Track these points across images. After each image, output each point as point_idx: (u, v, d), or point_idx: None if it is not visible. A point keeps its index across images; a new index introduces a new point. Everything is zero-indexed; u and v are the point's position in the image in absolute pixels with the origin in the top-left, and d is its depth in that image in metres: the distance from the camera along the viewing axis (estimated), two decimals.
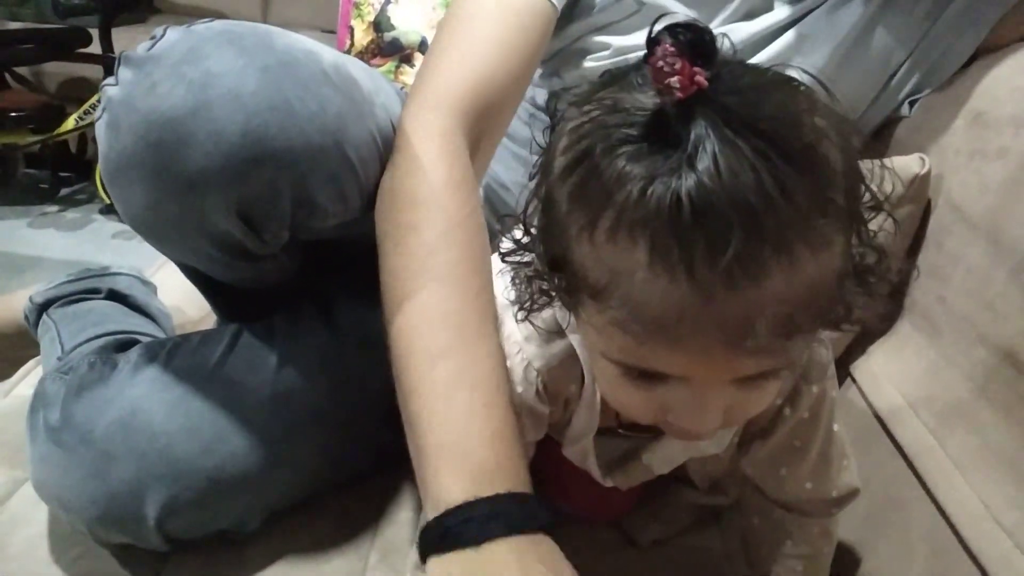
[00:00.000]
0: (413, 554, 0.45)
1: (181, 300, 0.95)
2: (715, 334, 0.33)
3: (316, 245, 0.63)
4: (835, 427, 0.51)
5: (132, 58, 0.49)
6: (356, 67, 0.59)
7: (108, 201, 2.42)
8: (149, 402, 0.54)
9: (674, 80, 0.31)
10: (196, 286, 0.72)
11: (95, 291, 0.86)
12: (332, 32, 2.94)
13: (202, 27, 0.50)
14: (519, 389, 0.48)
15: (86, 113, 2.37)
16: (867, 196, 0.37)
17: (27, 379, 0.83)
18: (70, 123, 2.39)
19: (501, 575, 0.40)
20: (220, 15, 2.19)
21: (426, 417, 0.46)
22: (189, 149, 0.47)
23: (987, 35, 0.67)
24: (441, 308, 0.49)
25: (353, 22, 1.86)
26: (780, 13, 0.70)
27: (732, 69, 0.34)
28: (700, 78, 0.31)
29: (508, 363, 0.48)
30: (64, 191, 2.62)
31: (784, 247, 0.32)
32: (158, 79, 0.48)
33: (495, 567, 0.40)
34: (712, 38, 0.33)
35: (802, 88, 0.36)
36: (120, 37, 2.34)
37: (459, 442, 0.44)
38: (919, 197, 0.63)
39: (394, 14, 1.82)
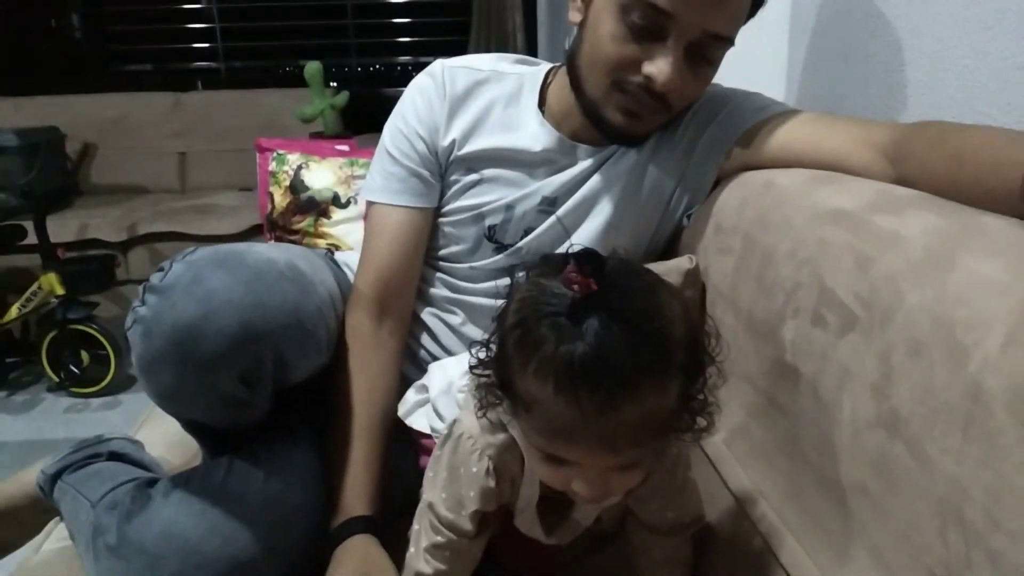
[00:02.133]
0: None
1: (165, 451, 1.15)
2: (593, 441, 0.54)
3: (284, 389, 0.88)
4: (688, 475, 0.73)
5: (155, 287, 0.75)
6: (300, 259, 0.88)
7: (56, 379, 2.57)
8: (181, 516, 0.77)
9: (576, 287, 0.52)
10: (191, 433, 0.95)
11: (97, 455, 1.04)
12: (248, 189, 3.24)
13: (194, 258, 0.77)
14: (473, 469, 0.67)
15: (27, 301, 2.53)
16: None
17: (53, 535, 1.02)
18: (13, 312, 2.53)
19: (344, 554, 0.78)
20: (142, 189, 2.54)
21: (332, 475, 0.86)
22: (202, 343, 0.73)
23: (719, 168, 0.95)
24: (340, 422, 0.89)
25: (271, 188, 2.12)
26: (580, 167, 0.98)
27: (617, 273, 0.54)
28: (592, 286, 0.52)
29: (464, 453, 0.69)
30: (11, 376, 2.73)
31: (633, 394, 0.52)
32: (176, 300, 0.73)
33: (343, 551, 0.78)
34: (600, 260, 0.53)
35: (662, 284, 0.58)
36: (52, 224, 2.53)
37: (340, 490, 0.85)
38: (695, 283, 0.91)
39: (307, 177, 2.08)
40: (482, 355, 0.64)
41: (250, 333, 0.74)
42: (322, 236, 2.10)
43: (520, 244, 0.99)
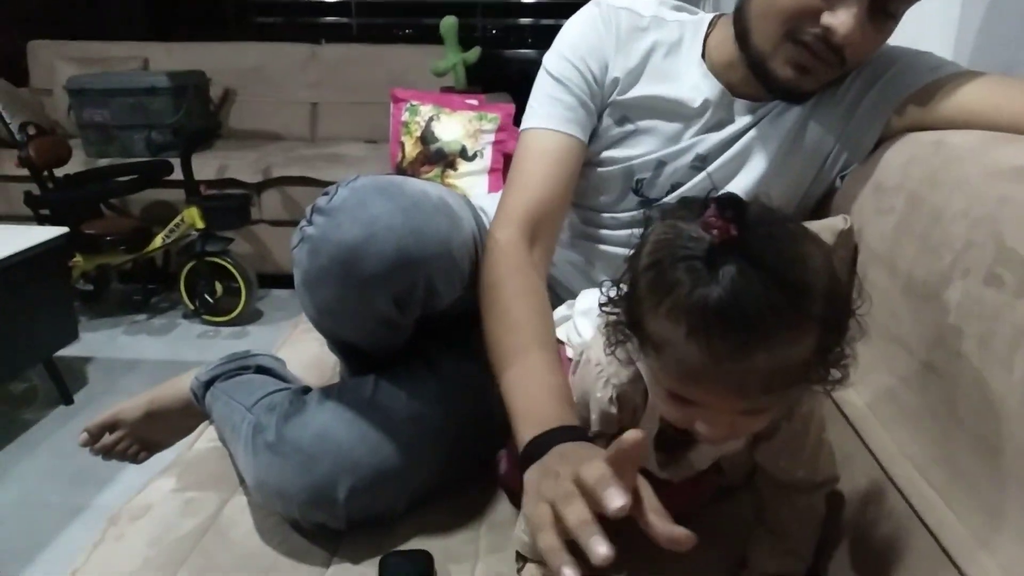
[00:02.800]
0: (519, 524, 0.71)
1: (301, 372, 1.22)
2: (722, 385, 0.54)
3: (426, 319, 0.92)
4: (823, 436, 0.72)
5: (323, 209, 0.79)
6: (448, 196, 0.90)
7: (192, 306, 2.75)
8: (335, 422, 0.82)
9: (715, 232, 0.51)
10: (338, 354, 1.01)
11: (246, 368, 1.12)
12: (374, 142, 3.34)
13: (358, 184, 0.81)
14: (598, 394, 0.71)
15: (170, 232, 2.71)
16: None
17: (203, 436, 1.11)
18: (157, 241, 2.72)
19: (554, 463, 0.63)
20: (276, 135, 2.68)
21: (510, 393, 0.77)
22: (364, 263, 0.77)
23: (884, 129, 0.92)
24: (515, 339, 0.80)
25: (403, 138, 2.19)
26: (739, 124, 0.96)
27: (759, 221, 0.52)
28: (732, 231, 0.51)
29: (591, 379, 0.71)
30: (152, 301, 2.94)
31: (766, 343, 0.51)
32: (341, 221, 0.78)
33: (551, 460, 0.65)
34: (742, 205, 0.52)
35: (805, 233, 0.55)
36: (195, 162, 2.69)
37: (529, 406, 0.74)
38: (847, 245, 0.89)
39: (437, 129, 2.14)
40: (612, 294, 0.65)
41: (406, 258, 0.78)
42: (448, 187, 2.15)
43: (665, 199, 0.98)
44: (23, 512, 1.79)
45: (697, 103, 0.96)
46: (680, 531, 0.52)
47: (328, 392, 0.88)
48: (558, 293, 1.06)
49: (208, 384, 1.10)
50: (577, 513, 0.53)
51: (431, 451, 0.86)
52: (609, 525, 0.52)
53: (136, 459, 1.22)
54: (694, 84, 0.97)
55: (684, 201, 0.60)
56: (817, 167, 0.98)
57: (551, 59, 0.98)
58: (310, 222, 0.80)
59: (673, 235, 0.56)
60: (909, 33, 1.31)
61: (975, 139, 0.77)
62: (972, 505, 0.62)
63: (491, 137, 2.16)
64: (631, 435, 0.54)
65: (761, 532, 0.78)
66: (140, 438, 1.20)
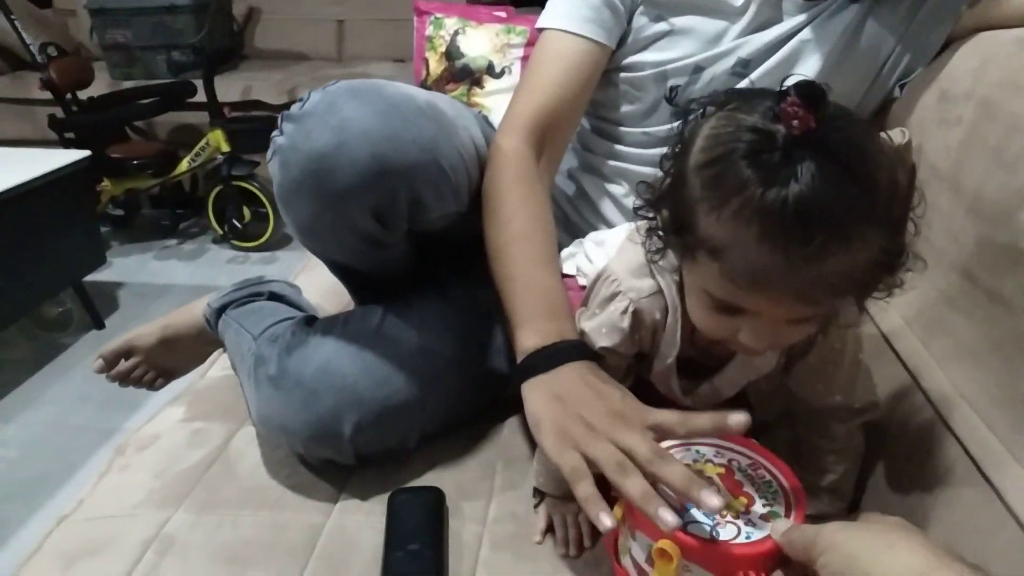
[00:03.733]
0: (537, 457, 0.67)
1: (320, 299, 1.18)
2: (790, 290, 0.50)
3: (428, 241, 0.86)
4: (860, 357, 0.67)
5: (292, 115, 0.72)
6: (443, 101, 0.82)
7: (221, 231, 2.72)
8: (338, 354, 0.77)
9: (795, 122, 0.47)
10: (341, 280, 0.95)
11: (259, 294, 1.07)
12: (402, 61, 3.22)
13: (332, 88, 0.73)
14: (611, 307, 0.65)
15: (196, 155, 2.66)
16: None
17: (216, 364, 1.08)
18: (184, 165, 2.68)
19: (566, 384, 0.63)
20: (302, 55, 2.55)
21: (511, 301, 0.73)
22: (337, 172, 0.70)
23: (953, 27, 0.82)
24: (518, 248, 0.76)
25: (427, 54, 2.08)
26: (788, 23, 0.86)
27: (836, 116, 0.49)
28: (812, 123, 0.47)
29: (605, 293, 0.66)
30: (181, 226, 2.93)
31: (845, 242, 0.48)
32: (311, 128, 0.70)
33: (563, 379, 0.64)
34: (823, 94, 0.47)
35: (873, 128, 0.53)
36: (219, 84, 2.62)
37: (531, 314, 0.70)
38: (904, 161, 0.79)
39: (463, 43, 2.03)
40: (650, 196, 0.60)
41: (382, 166, 0.70)
42: (474, 106, 2.06)
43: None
44: (55, 435, 1.81)
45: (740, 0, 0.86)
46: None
47: (333, 323, 0.83)
48: (593, 226, 0.98)
49: (221, 311, 1.07)
50: (639, 487, 0.53)
51: (442, 383, 0.81)
52: None
53: (152, 386, 1.20)
54: None
55: (736, 92, 0.56)
56: (874, 73, 0.87)
57: None
58: (281, 131, 0.73)
59: (734, 127, 0.51)
60: None
61: None
62: None
63: (520, 52, 2.04)
64: (738, 417, 0.54)
65: (798, 471, 0.72)
66: (155, 364, 1.18)
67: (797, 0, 0.86)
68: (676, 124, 0.88)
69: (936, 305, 0.72)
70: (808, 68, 0.86)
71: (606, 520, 0.53)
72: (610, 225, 0.97)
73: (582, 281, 0.81)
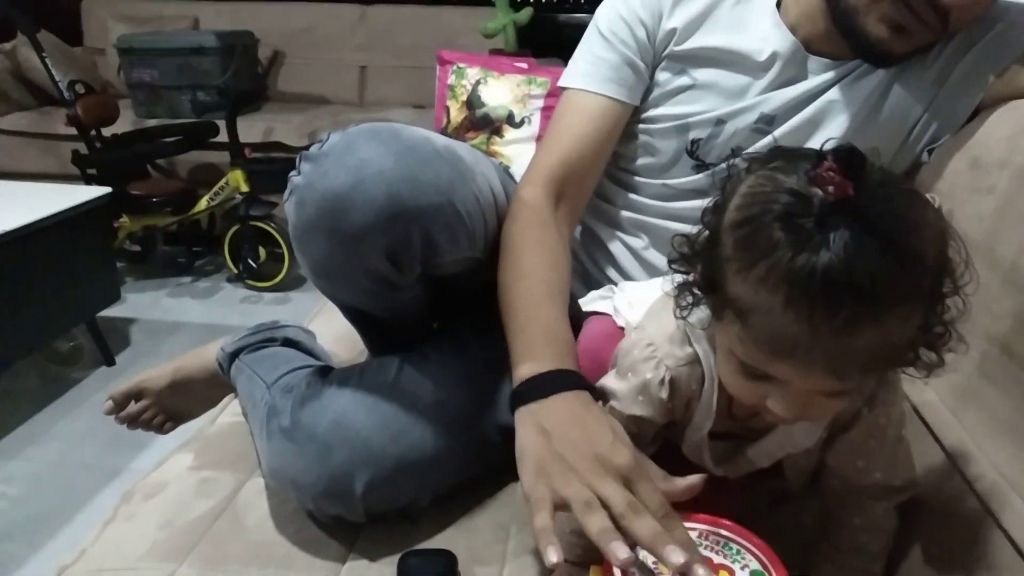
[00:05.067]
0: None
1: (334, 345, 1.16)
2: (817, 362, 0.48)
3: (444, 288, 0.85)
4: (903, 433, 0.65)
5: (310, 156, 0.72)
6: (461, 147, 0.82)
7: (235, 270, 2.73)
8: (353, 408, 0.75)
9: (830, 188, 0.45)
10: (354, 326, 0.94)
11: (273, 340, 1.06)
12: (422, 107, 3.26)
13: (351, 129, 0.73)
14: (648, 375, 0.63)
15: (215, 195, 2.69)
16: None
17: (227, 410, 1.06)
18: (203, 204, 2.70)
19: (555, 417, 0.64)
20: (323, 99, 2.59)
21: (511, 335, 0.74)
22: (352, 212, 0.69)
23: (982, 95, 0.81)
24: (522, 285, 0.77)
25: (448, 102, 2.10)
26: (813, 82, 0.85)
27: (876, 181, 0.47)
28: (849, 190, 0.45)
29: (640, 358, 0.64)
30: (197, 263, 2.94)
31: (877, 317, 0.46)
32: (328, 167, 0.70)
33: (552, 411, 0.64)
34: (862, 160, 0.46)
35: (920, 199, 0.50)
36: (241, 125, 2.65)
37: (528, 345, 0.72)
38: None
39: (484, 93, 2.05)
40: (686, 250, 0.58)
41: (398, 206, 0.70)
42: (493, 155, 2.07)
43: (724, 165, 0.88)
44: (60, 473, 1.79)
45: (764, 55, 0.86)
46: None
47: (348, 374, 0.81)
48: (611, 280, 0.97)
49: (234, 355, 1.05)
50: (599, 524, 0.54)
51: (458, 439, 0.79)
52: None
53: (162, 429, 1.18)
54: (763, 35, 0.87)
55: (780, 151, 0.54)
56: (901, 138, 0.87)
57: (602, 12, 0.92)
58: (299, 171, 0.73)
59: (771, 188, 0.50)
60: None
61: None
62: None
63: (540, 103, 2.06)
64: (690, 480, 0.55)
65: (827, 547, 0.70)
66: (165, 408, 1.16)
67: (823, 60, 0.86)
68: (698, 176, 0.89)
69: (970, 378, 0.70)
70: (833, 129, 0.85)
71: (552, 555, 0.53)
72: (627, 277, 0.96)
73: (620, 321, 0.78)
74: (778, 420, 0.58)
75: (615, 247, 0.98)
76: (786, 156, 0.52)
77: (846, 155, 0.46)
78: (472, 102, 2.03)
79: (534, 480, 0.60)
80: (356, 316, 0.92)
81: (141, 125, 3.00)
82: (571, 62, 0.92)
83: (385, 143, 0.71)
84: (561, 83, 0.92)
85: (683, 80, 0.89)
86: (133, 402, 1.14)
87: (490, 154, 2.07)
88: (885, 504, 0.67)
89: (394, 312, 0.86)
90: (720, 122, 0.88)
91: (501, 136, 2.04)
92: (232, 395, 1.06)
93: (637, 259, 0.96)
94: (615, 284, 0.94)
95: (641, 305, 0.75)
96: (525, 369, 0.69)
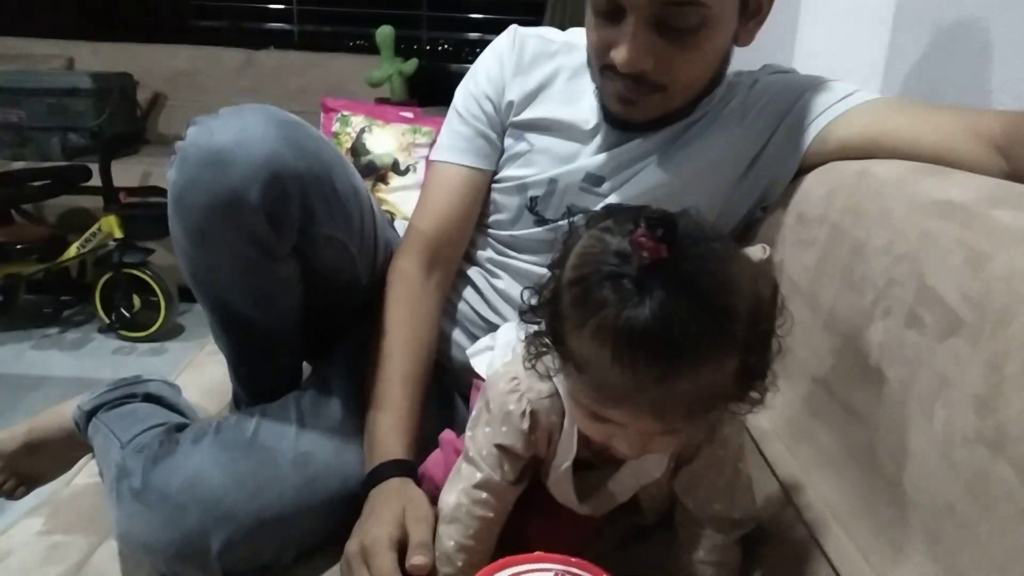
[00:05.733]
0: None
1: (201, 398, 1.13)
2: (644, 408, 0.53)
3: (318, 316, 0.93)
4: (740, 466, 0.69)
5: (198, 120, 0.77)
6: (354, 173, 0.92)
7: (107, 320, 2.61)
8: (208, 465, 0.74)
9: (644, 253, 0.50)
10: (222, 342, 0.96)
11: (133, 396, 1.01)
12: None
13: (243, 105, 0.78)
14: (511, 407, 0.66)
15: (87, 241, 2.57)
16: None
17: (84, 470, 1.01)
18: (72, 251, 2.57)
19: (382, 495, 0.73)
20: None
21: (368, 424, 0.82)
22: (234, 166, 0.73)
23: (803, 158, 0.87)
24: (380, 370, 0.85)
25: None
26: (635, 144, 0.91)
27: (690, 239, 0.51)
28: (663, 253, 0.49)
29: (503, 392, 0.67)
30: (65, 313, 2.79)
31: (693, 367, 0.51)
32: (214, 128, 0.75)
33: (381, 493, 0.73)
34: (674, 224, 0.50)
35: (733, 252, 0.55)
36: (117, 169, 2.55)
37: (374, 440, 0.80)
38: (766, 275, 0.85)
39: (369, 141, 2.07)
40: (534, 301, 0.62)
41: (279, 164, 0.74)
42: (379, 202, 2.08)
43: (561, 221, 0.94)
44: None
45: (590, 124, 0.94)
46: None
47: (204, 430, 0.79)
48: (479, 312, 1.01)
49: (92, 413, 1.00)
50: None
51: (322, 492, 0.79)
52: None
53: (13, 495, 1.11)
54: (590, 105, 0.94)
55: (610, 209, 0.59)
56: (722, 197, 0.92)
57: (458, 93, 1.01)
58: (185, 137, 0.76)
59: (599, 249, 0.54)
60: (834, 61, 1.30)
61: (899, 170, 0.74)
62: (896, 563, 0.57)
63: (425, 151, 2.10)
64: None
65: None
66: (18, 471, 1.09)
67: (643, 128, 0.91)
68: (538, 230, 0.95)
69: (801, 414, 0.76)
70: (657, 189, 0.90)
71: None
72: (494, 311, 1.00)
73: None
74: (624, 456, 0.62)
75: (480, 283, 1.01)
76: (615, 216, 0.57)
77: (658, 220, 0.50)
78: (357, 149, 2.05)
79: (355, 537, 0.70)
80: (225, 319, 0.92)
81: (6, 168, 2.84)
82: (437, 140, 1.00)
83: (273, 116, 0.77)
84: (430, 157, 1.01)
85: (522, 145, 0.96)
86: None
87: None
88: (725, 537, 0.70)
89: (267, 305, 0.88)
90: (553, 181, 0.94)
91: (386, 183, 2.06)
92: (90, 455, 1.01)
93: (499, 295, 1.00)
94: (482, 315, 0.99)
95: (500, 345, 0.79)
96: (375, 458, 0.78)
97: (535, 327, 0.62)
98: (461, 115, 0.98)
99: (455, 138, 0.98)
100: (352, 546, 0.69)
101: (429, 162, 1.01)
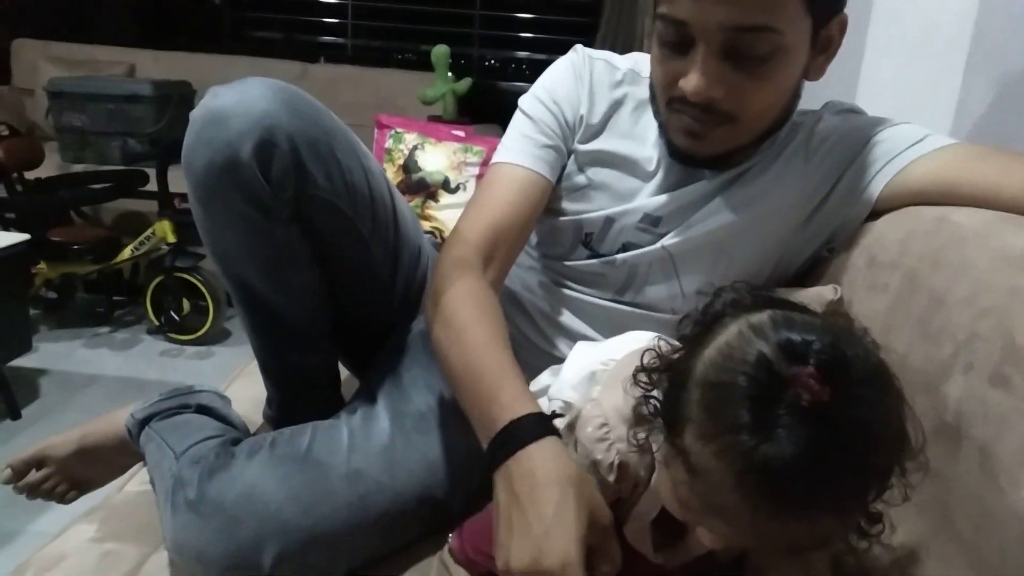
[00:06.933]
0: None
1: (251, 410, 1.14)
2: (749, 536, 0.51)
3: (352, 333, 0.98)
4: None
5: (211, 90, 0.83)
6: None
7: (157, 323, 2.66)
8: (263, 479, 0.75)
9: (806, 395, 0.45)
10: (253, 348, 1.00)
11: (186, 406, 1.03)
12: None
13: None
14: (598, 457, 0.63)
15: (140, 244, 2.62)
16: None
17: (136, 478, 1.02)
18: (126, 253, 2.63)
19: (556, 477, 0.60)
20: None
21: (472, 414, 0.70)
22: (231, 121, 0.79)
23: (874, 204, 0.85)
24: (468, 348, 0.74)
25: (384, 165, 2.13)
26: (697, 187, 0.90)
27: (856, 384, 0.46)
28: (825, 397, 0.44)
29: (591, 438, 0.63)
30: (116, 314, 2.85)
31: (814, 519, 0.48)
32: (219, 93, 0.82)
33: (550, 466, 0.60)
34: (847, 369, 0.46)
35: (893, 393, 0.49)
36: (173, 175, 2.60)
37: (489, 395, 0.68)
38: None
39: (420, 158, 2.08)
40: (654, 367, 0.58)
41: (273, 119, 0.80)
42: (427, 219, 2.09)
43: (616, 257, 0.93)
44: None
45: (653, 164, 0.92)
46: None
47: (259, 444, 0.80)
48: (528, 338, 1.00)
49: (144, 422, 1.02)
50: None
51: (373, 510, 0.79)
52: None
53: (64, 499, 1.13)
54: (654, 142, 0.92)
55: (765, 298, 0.55)
56: (784, 240, 0.91)
57: (527, 100, 0.96)
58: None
59: (747, 356, 0.48)
60: (903, 101, 1.27)
61: (981, 220, 0.71)
62: None
63: (476, 170, 2.11)
64: None
65: None
66: (70, 476, 1.11)
67: (707, 170, 0.90)
68: (593, 262, 0.94)
69: None
70: (718, 231, 0.88)
71: None
72: (545, 337, 0.98)
73: (560, 423, 0.74)
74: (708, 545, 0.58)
75: (531, 307, 1.00)
76: (773, 309, 0.52)
77: (828, 361, 0.46)
78: (409, 166, 2.06)
79: (502, 542, 0.60)
80: (243, 297, 0.94)
81: (67, 169, 2.93)
82: (500, 145, 0.95)
83: (276, 84, 0.83)
84: (494, 160, 0.95)
85: (580, 179, 0.94)
86: (34, 470, 1.09)
87: (424, 218, 2.09)
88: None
89: (277, 278, 0.90)
90: (609, 220, 0.92)
91: (436, 200, 2.07)
92: (142, 463, 1.03)
93: (549, 322, 0.99)
94: (531, 341, 0.98)
95: (580, 384, 0.73)
96: (503, 414, 0.65)
97: (647, 392, 0.59)
98: (533, 120, 0.94)
99: (524, 143, 0.93)
100: (520, 564, 0.57)
101: (491, 166, 0.94)
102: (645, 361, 0.59)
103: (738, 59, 0.76)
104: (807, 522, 0.48)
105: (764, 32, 0.74)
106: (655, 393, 0.58)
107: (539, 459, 0.61)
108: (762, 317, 0.51)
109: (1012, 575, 0.52)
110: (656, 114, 0.89)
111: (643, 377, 0.59)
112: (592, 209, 0.93)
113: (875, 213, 0.87)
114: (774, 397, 0.46)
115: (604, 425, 0.63)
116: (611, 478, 0.63)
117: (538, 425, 0.63)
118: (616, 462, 0.62)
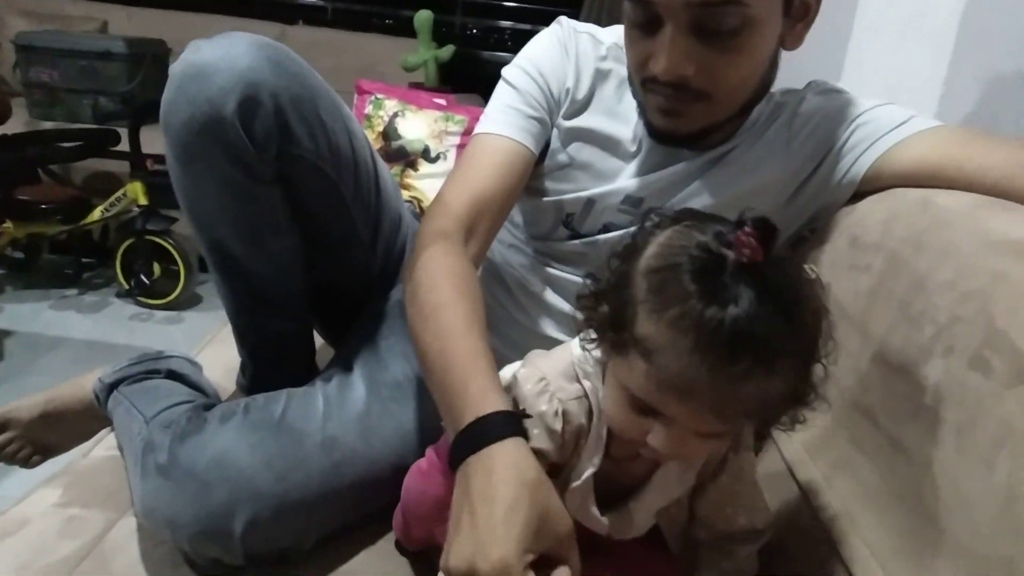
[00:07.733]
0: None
1: (222, 378, 1.13)
2: (706, 403, 0.53)
3: (330, 298, 0.95)
4: (755, 478, 0.70)
5: (192, 44, 0.79)
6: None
7: (126, 286, 2.61)
8: (236, 445, 0.74)
9: (746, 251, 0.51)
10: (228, 312, 0.98)
11: (156, 371, 1.00)
12: None
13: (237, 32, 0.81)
14: (543, 407, 0.64)
15: (111, 205, 2.57)
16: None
17: (102, 443, 1.00)
18: (96, 214, 2.57)
19: (511, 477, 0.57)
20: None
21: (436, 374, 0.67)
22: (214, 77, 0.76)
23: (858, 185, 0.85)
24: (440, 343, 0.68)
25: (364, 131, 2.09)
26: (678, 168, 0.88)
27: (779, 255, 0.53)
28: (760, 256, 0.51)
29: (532, 393, 0.64)
30: (85, 276, 2.79)
31: (767, 371, 0.52)
32: (202, 46, 0.78)
33: (508, 467, 0.57)
34: (775, 233, 0.51)
35: (805, 275, 0.57)
36: (145, 136, 2.55)
37: (456, 388, 0.64)
38: None
39: (401, 125, 2.05)
40: (595, 287, 0.63)
41: (256, 75, 0.77)
42: (406, 188, 2.06)
43: (598, 238, 0.91)
44: None
45: (634, 144, 0.90)
46: None
47: (233, 410, 0.79)
48: (510, 313, 0.99)
49: (113, 386, 1.00)
50: None
51: (347, 478, 0.78)
52: None
53: (28, 463, 1.11)
54: (636, 122, 0.90)
55: (689, 212, 0.60)
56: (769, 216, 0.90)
57: (511, 71, 0.93)
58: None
59: (686, 241, 0.55)
60: (889, 84, 1.26)
61: (965, 202, 0.71)
62: None
63: (456, 140, 2.08)
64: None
65: None
66: (34, 440, 1.09)
67: (687, 150, 0.88)
68: (575, 243, 0.92)
69: (840, 441, 0.74)
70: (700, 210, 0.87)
71: None
72: (526, 314, 0.98)
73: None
74: (654, 456, 0.60)
75: (513, 283, 0.99)
76: (696, 217, 0.58)
77: (763, 225, 0.51)
78: (388, 133, 2.03)
79: (453, 547, 0.56)
80: (219, 260, 0.92)
81: (35, 126, 2.85)
82: (483, 115, 0.93)
83: (260, 40, 0.80)
84: (475, 131, 0.92)
85: (562, 157, 0.91)
86: None
87: (403, 187, 2.06)
88: (750, 548, 0.70)
89: (257, 244, 0.89)
90: (590, 202, 0.91)
91: (416, 169, 2.04)
92: (109, 428, 1.01)
93: (533, 300, 0.98)
94: (512, 316, 0.98)
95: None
96: (469, 409, 0.61)
97: (590, 313, 0.62)
98: (518, 91, 0.90)
99: (509, 113, 0.89)
100: (457, 563, 0.54)
101: (473, 136, 0.91)
102: (586, 283, 0.64)
103: (707, 35, 0.74)
104: (756, 382, 0.52)
105: (730, 6, 0.72)
106: (597, 308, 0.61)
107: (499, 459, 0.58)
108: (690, 220, 0.58)
109: (982, 555, 0.52)
110: (635, 94, 0.87)
111: (586, 301, 0.63)
112: (573, 190, 0.91)
113: (858, 194, 0.86)
114: (716, 267, 0.52)
115: (542, 379, 0.65)
116: (558, 426, 0.64)
117: (504, 424, 0.60)
118: (559, 409, 0.64)
